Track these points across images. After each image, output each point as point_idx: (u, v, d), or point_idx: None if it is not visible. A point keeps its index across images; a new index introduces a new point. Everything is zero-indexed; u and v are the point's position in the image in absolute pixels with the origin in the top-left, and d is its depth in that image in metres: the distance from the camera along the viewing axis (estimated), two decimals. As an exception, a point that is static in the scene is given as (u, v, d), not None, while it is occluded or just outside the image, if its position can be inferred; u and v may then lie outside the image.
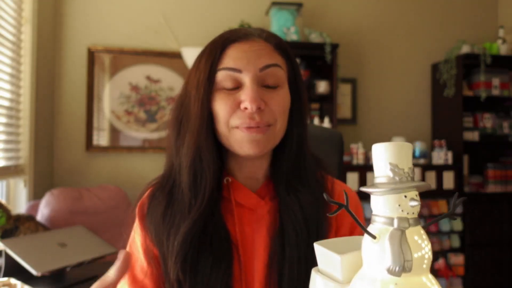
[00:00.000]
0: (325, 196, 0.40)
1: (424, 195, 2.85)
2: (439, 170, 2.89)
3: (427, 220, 2.84)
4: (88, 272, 1.44)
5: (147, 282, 0.66)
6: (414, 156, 2.99)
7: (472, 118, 3.16)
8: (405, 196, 0.37)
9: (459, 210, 2.87)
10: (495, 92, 3.06)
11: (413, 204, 0.37)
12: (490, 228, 2.92)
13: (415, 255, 0.36)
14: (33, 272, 1.25)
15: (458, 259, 2.84)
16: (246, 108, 0.62)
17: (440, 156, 2.93)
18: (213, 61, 0.64)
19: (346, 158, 2.88)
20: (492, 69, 3.03)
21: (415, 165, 2.86)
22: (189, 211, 0.64)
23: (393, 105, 3.26)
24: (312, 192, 0.68)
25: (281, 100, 0.65)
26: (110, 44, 2.79)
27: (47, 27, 2.55)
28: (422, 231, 0.38)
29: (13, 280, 1.21)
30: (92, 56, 2.75)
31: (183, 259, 0.62)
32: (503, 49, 3.08)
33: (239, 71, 0.63)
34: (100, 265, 1.55)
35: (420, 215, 2.79)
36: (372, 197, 0.39)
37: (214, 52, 0.65)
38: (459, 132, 2.99)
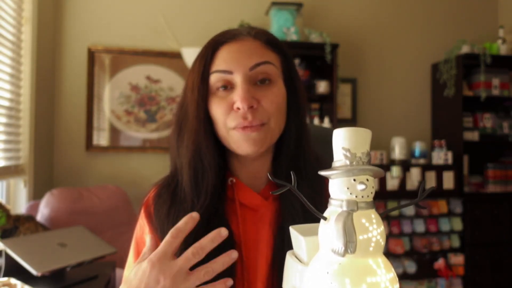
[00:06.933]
0: (269, 175, 0.41)
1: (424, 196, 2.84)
2: (439, 170, 2.88)
3: (427, 220, 2.84)
4: (88, 272, 1.44)
5: None
6: (414, 156, 2.98)
7: (472, 118, 3.17)
8: (354, 180, 0.38)
9: (458, 210, 2.87)
10: (495, 92, 3.07)
11: (361, 188, 0.37)
12: (490, 228, 2.92)
13: (360, 237, 0.36)
14: (33, 272, 1.25)
15: (458, 259, 2.84)
16: (239, 108, 0.63)
17: (440, 156, 2.93)
18: (205, 63, 0.66)
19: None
20: (492, 69, 3.03)
21: (415, 165, 2.89)
22: (192, 210, 0.64)
23: (393, 105, 3.26)
24: (310, 186, 0.68)
25: (274, 97, 0.65)
26: (110, 44, 2.79)
27: (47, 27, 2.55)
28: (374, 215, 0.38)
29: (13, 280, 1.21)
30: (92, 56, 2.75)
31: None
32: (503, 49, 3.08)
33: (230, 72, 0.64)
34: (100, 265, 1.55)
35: (420, 215, 2.80)
36: (329, 181, 0.40)
37: (206, 54, 0.67)
38: (459, 132, 2.99)
